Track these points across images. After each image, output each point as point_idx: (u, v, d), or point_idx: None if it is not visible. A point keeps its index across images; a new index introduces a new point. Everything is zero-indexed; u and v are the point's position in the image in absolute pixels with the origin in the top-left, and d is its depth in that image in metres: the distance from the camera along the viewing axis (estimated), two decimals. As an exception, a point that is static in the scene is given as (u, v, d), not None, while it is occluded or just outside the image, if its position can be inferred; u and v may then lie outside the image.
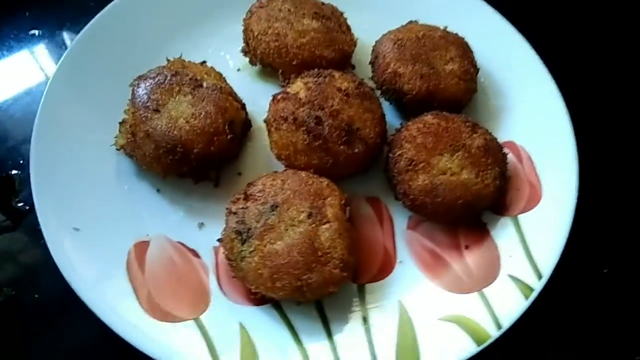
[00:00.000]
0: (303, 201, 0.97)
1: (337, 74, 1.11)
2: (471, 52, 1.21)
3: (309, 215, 0.96)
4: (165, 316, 0.93)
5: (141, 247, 1.01)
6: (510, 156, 1.14)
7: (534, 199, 1.10)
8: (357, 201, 1.11)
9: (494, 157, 1.07)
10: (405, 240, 1.08)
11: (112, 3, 1.22)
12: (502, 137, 1.15)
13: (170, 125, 1.02)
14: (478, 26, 1.28)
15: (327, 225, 0.96)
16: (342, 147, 1.03)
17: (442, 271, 1.03)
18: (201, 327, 0.93)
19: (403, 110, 1.19)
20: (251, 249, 0.94)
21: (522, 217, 1.08)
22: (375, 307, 0.99)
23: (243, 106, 1.14)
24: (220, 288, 0.99)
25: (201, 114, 1.04)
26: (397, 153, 1.06)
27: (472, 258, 1.05)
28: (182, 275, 0.99)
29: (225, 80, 1.14)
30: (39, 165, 1.03)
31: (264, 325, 0.95)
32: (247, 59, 1.23)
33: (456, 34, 1.23)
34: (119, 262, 0.98)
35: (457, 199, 1.03)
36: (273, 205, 0.97)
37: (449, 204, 1.03)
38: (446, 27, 1.23)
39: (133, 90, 1.07)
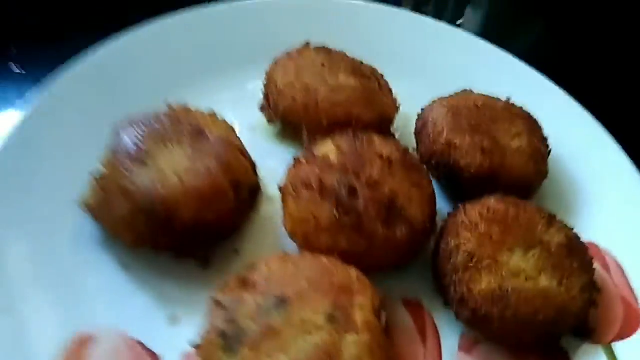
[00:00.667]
0: (323, 298, 0.69)
1: (377, 138, 0.88)
2: (541, 129, 0.98)
3: (330, 319, 0.68)
4: None
5: (82, 343, 0.71)
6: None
7: (631, 321, 0.82)
8: (392, 304, 0.82)
9: (580, 260, 0.80)
10: (457, 367, 0.78)
11: (110, 42, 1.03)
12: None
13: (156, 179, 0.78)
14: (542, 104, 1.06)
15: (354, 337, 0.67)
16: (380, 228, 0.77)
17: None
18: None
19: (456, 192, 0.93)
20: (239, 361, 0.64)
21: (618, 347, 0.78)
22: None
23: (254, 167, 0.89)
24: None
25: (200, 170, 0.79)
26: (453, 244, 0.80)
27: (553, 403, 0.74)
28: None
29: (236, 135, 0.90)
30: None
31: None
32: (265, 118, 1.01)
33: (522, 108, 1.00)
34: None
35: (535, 313, 0.74)
36: (280, 300, 0.69)
37: (523, 319, 0.74)
38: (509, 99, 1.01)
39: (117, 134, 0.84)
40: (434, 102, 0.99)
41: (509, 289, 0.75)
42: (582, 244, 0.84)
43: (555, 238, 0.81)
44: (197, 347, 0.68)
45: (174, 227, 0.76)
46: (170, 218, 0.76)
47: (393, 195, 0.80)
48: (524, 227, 0.81)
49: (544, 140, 0.96)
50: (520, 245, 0.79)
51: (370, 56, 1.06)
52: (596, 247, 0.91)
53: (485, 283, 0.76)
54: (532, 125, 0.97)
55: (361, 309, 0.70)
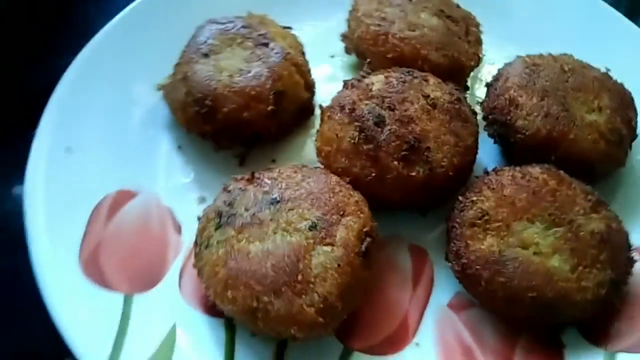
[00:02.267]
0: (314, 208, 0.73)
1: (432, 79, 0.86)
2: (633, 110, 0.86)
3: (312, 227, 0.71)
4: (97, 277, 0.74)
5: (123, 196, 0.84)
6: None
7: (655, 340, 0.71)
8: (398, 245, 0.83)
9: (612, 255, 0.72)
10: (437, 319, 0.76)
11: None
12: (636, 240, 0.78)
13: (211, 74, 0.86)
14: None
15: (328, 248, 0.70)
16: (395, 163, 0.77)
17: (472, 384, 0.69)
18: (126, 307, 0.72)
19: (509, 154, 0.87)
20: (222, 237, 0.71)
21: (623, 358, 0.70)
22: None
23: (310, 87, 0.93)
24: (180, 277, 0.78)
25: (249, 72, 0.86)
26: (470, 198, 0.76)
27: (525, 386, 0.69)
28: (147, 245, 0.80)
29: (302, 53, 0.94)
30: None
31: (200, 343, 0.71)
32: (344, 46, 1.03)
33: (621, 84, 0.88)
34: (89, 200, 0.82)
35: (529, 289, 0.69)
36: (275, 199, 0.74)
37: (514, 291, 0.69)
38: (609, 71, 0.89)
39: (197, 29, 0.94)
40: (518, 57, 0.92)
41: (510, 257, 0.70)
42: (626, 240, 0.74)
43: (592, 224, 0.73)
44: (199, 218, 0.76)
45: (216, 118, 0.85)
46: (213, 109, 0.84)
47: (422, 136, 0.78)
48: (559, 203, 0.74)
49: (631, 122, 0.84)
50: (544, 219, 0.73)
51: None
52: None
53: (486, 244, 0.72)
54: (622, 103, 0.85)
55: (346, 228, 0.71)
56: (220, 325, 0.73)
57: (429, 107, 0.81)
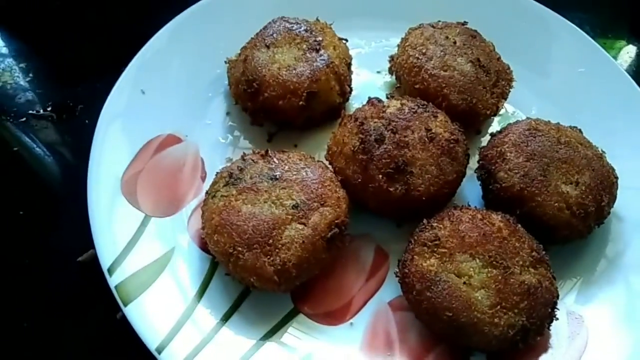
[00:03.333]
0: (301, 192, 0.90)
1: (441, 117, 0.98)
2: (610, 195, 0.94)
3: (294, 206, 0.88)
4: (130, 195, 0.96)
5: (172, 140, 1.05)
6: (562, 326, 0.87)
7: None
8: (367, 243, 0.98)
9: (532, 307, 0.83)
10: (375, 310, 0.91)
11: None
12: (573, 306, 0.90)
13: (265, 63, 1.04)
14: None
15: (300, 226, 0.87)
16: (380, 176, 0.92)
17: (381, 368, 0.85)
18: (143, 224, 0.93)
19: (486, 197, 0.99)
20: (226, 193, 0.90)
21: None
22: (290, 336, 0.88)
23: (344, 93, 1.09)
24: (190, 215, 0.98)
25: (294, 69, 1.03)
26: (431, 223, 0.90)
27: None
28: (176, 183, 1.01)
29: (348, 65, 1.10)
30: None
31: (187, 268, 0.92)
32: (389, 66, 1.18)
33: (611, 168, 0.97)
34: (145, 134, 1.04)
35: (447, 309, 0.82)
36: (275, 176, 0.91)
37: (436, 307, 0.83)
38: (604, 154, 0.98)
39: (270, 22, 1.12)
40: (528, 118, 1.02)
41: (442, 279, 0.84)
42: (553, 299, 0.85)
43: (525, 276, 0.84)
44: (216, 174, 0.96)
45: (257, 99, 1.03)
46: (257, 91, 1.03)
47: (409, 161, 0.92)
48: (503, 250, 0.86)
49: (600, 203, 0.93)
50: (484, 259, 0.85)
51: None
52: (580, 319, 0.89)
53: (427, 263, 0.85)
54: (600, 185, 0.93)
55: (321, 215, 0.88)
56: (207, 260, 0.93)
57: (426, 139, 0.94)
